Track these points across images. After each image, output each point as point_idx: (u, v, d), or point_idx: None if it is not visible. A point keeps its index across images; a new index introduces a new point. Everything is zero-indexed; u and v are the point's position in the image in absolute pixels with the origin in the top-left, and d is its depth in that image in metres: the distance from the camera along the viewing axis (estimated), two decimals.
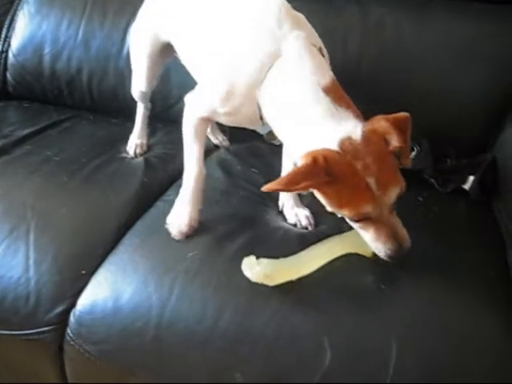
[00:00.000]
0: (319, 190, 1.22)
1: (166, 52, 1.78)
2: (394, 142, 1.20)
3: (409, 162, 1.26)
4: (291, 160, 1.51)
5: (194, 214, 1.47)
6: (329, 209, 1.25)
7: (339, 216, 1.27)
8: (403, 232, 1.28)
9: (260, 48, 1.32)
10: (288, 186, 1.18)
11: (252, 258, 1.30)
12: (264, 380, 1.23)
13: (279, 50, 1.30)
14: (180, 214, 1.47)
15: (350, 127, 1.21)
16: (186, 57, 1.64)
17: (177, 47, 1.67)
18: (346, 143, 1.19)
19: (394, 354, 1.19)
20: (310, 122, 1.24)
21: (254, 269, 1.28)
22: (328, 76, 1.30)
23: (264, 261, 1.29)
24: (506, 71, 1.84)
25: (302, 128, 1.26)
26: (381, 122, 1.22)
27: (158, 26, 1.73)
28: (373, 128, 1.21)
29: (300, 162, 1.18)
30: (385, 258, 1.28)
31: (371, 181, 1.18)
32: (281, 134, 1.33)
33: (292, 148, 1.30)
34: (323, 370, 1.19)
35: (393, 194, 1.22)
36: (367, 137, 1.20)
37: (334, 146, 1.19)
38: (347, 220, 1.29)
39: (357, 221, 1.25)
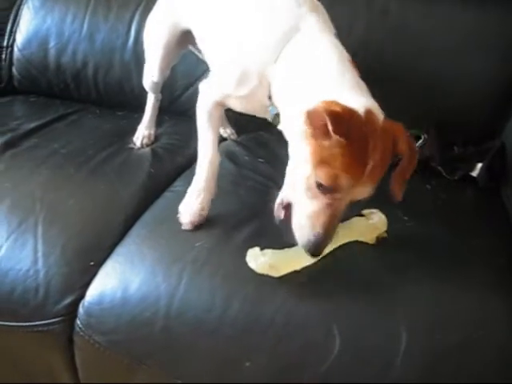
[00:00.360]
0: (324, 138, 1.14)
1: (182, 42, 1.79)
2: (401, 145, 1.19)
3: (399, 196, 1.24)
4: None
5: (205, 204, 1.45)
6: (303, 161, 1.19)
7: (297, 174, 1.23)
8: (334, 229, 1.21)
9: (277, 24, 1.32)
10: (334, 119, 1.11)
11: (256, 249, 1.29)
12: (274, 368, 1.23)
13: (297, 26, 1.30)
14: (192, 204, 1.45)
15: (375, 103, 1.20)
16: (205, 44, 1.63)
17: (196, 34, 1.67)
18: (371, 115, 1.16)
19: (403, 340, 1.19)
20: (337, 90, 1.20)
21: (259, 260, 1.27)
22: (347, 53, 1.30)
23: (269, 251, 1.28)
24: None
25: (328, 96, 1.18)
26: (397, 124, 1.20)
27: (178, 13, 1.72)
28: (389, 122, 1.19)
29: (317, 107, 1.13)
30: (298, 240, 1.22)
31: (370, 164, 1.14)
32: (293, 110, 1.25)
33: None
34: (333, 357, 1.19)
35: (369, 189, 1.19)
36: (384, 124, 1.18)
37: (360, 110, 1.15)
38: (302, 182, 1.20)
39: (320, 186, 1.17)
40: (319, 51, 1.28)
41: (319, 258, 1.27)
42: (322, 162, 1.15)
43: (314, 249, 1.20)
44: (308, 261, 1.28)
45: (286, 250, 1.29)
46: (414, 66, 1.88)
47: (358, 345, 1.21)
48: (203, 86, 1.48)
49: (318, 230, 1.18)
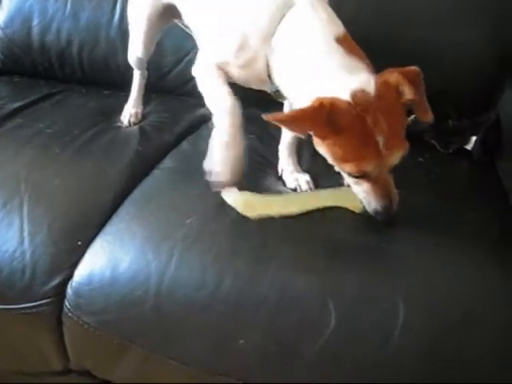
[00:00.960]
0: (323, 139, 1.18)
1: (165, 16, 1.75)
2: (407, 93, 1.18)
3: (430, 117, 1.24)
4: None
5: (236, 162, 1.32)
6: (330, 161, 1.23)
7: (336, 170, 1.24)
8: (395, 194, 1.25)
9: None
10: (289, 122, 1.16)
11: (234, 189, 1.28)
12: (269, 344, 1.20)
13: (291, 1, 1.28)
14: (222, 160, 1.32)
15: (363, 79, 1.19)
16: (191, 17, 1.60)
17: (181, 7, 1.63)
18: (359, 95, 1.16)
19: (401, 313, 1.16)
20: (322, 73, 1.21)
21: (236, 195, 1.26)
22: (341, 27, 1.29)
23: (246, 192, 1.27)
24: (508, 27, 1.80)
25: (313, 79, 1.22)
26: (393, 74, 1.19)
27: None
28: (385, 80, 1.19)
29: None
30: (373, 214, 1.26)
31: (380, 138, 1.15)
32: (288, 89, 1.30)
33: (300, 102, 1.23)
34: (328, 332, 1.17)
35: (398, 155, 1.20)
36: (380, 90, 1.17)
37: (345, 96, 1.15)
38: (343, 175, 1.26)
39: (355, 177, 1.22)
40: (307, 32, 1.26)
41: (299, 211, 1.30)
42: (340, 159, 1.19)
43: (385, 218, 1.25)
44: (287, 209, 1.28)
45: (267, 194, 1.30)
46: (405, 38, 1.83)
47: (355, 319, 1.18)
48: (199, 57, 1.44)
49: (380, 202, 1.24)
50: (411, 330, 1.16)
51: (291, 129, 1.23)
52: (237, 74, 1.39)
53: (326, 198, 1.33)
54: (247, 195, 1.26)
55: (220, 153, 1.33)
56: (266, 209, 1.26)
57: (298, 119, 1.15)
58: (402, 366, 1.15)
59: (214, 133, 1.34)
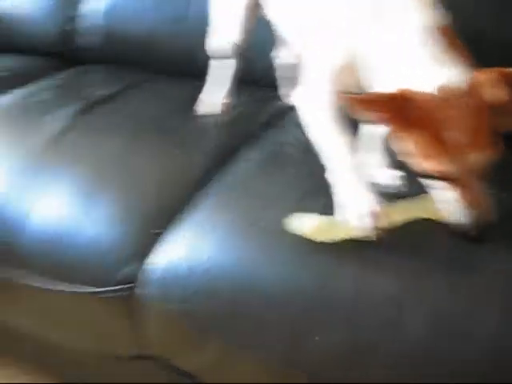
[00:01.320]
0: (400, 131, 1.10)
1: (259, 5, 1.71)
2: (499, 95, 1.08)
3: None
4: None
5: (371, 200, 1.23)
6: (403, 158, 1.15)
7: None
8: (487, 206, 1.12)
9: None
10: (365, 103, 1.08)
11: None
12: (346, 344, 1.16)
13: None
14: (360, 213, 1.22)
15: (454, 74, 1.10)
16: (278, 16, 1.58)
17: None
18: (445, 89, 1.08)
19: (494, 319, 1.09)
20: (412, 64, 1.14)
21: (301, 220, 1.21)
22: (443, 16, 1.20)
23: (314, 215, 1.22)
24: None
25: (401, 67, 1.15)
26: (489, 73, 1.10)
27: None
28: (478, 78, 1.10)
29: None
30: (457, 227, 1.14)
31: (461, 137, 1.06)
32: (371, 77, 1.22)
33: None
34: (408, 337, 1.12)
35: (480, 157, 1.09)
36: (470, 87, 1.09)
37: (431, 89, 1.08)
38: (423, 180, 1.17)
39: (435, 178, 1.13)
40: (402, 16, 1.18)
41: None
42: (417, 155, 1.11)
43: (472, 231, 1.13)
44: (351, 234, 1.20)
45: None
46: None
47: (438, 323, 1.12)
48: (300, 92, 1.35)
49: (468, 211, 1.11)
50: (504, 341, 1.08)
51: (367, 109, 1.10)
52: (349, 76, 1.29)
53: (414, 210, 1.23)
54: (315, 219, 1.21)
55: (354, 195, 1.25)
56: (333, 233, 1.20)
57: (374, 101, 1.08)
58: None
59: (334, 180, 1.28)
